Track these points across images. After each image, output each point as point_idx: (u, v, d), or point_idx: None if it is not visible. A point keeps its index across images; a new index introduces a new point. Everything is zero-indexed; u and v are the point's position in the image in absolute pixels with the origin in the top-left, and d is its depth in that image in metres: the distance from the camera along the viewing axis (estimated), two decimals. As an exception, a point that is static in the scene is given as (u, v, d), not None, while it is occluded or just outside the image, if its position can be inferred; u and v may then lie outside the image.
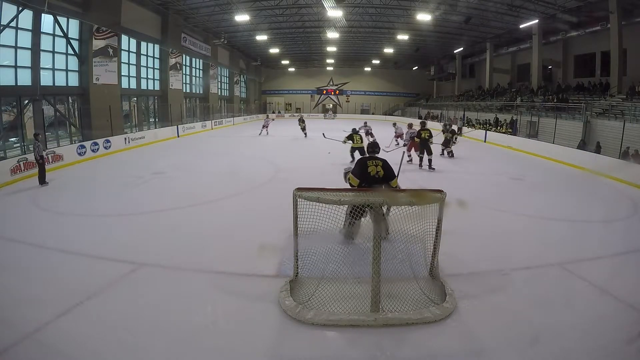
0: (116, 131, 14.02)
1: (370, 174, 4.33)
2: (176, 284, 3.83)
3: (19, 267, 4.16)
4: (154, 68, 19.87)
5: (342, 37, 25.80)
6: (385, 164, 4.46)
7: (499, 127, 19.23)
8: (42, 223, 5.74)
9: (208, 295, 3.63)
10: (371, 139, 14.15)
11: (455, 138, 12.43)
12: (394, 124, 15.54)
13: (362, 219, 3.91)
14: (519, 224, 5.85)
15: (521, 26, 19.05)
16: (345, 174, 4.91)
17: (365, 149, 4.99)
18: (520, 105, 19.91)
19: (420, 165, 10.18)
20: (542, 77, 21.53)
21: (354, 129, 10.81)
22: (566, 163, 11.56)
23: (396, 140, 14.39)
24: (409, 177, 9.30)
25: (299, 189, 3.45)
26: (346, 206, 3.85)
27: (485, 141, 17.64)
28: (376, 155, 4.68)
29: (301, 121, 18.41)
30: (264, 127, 19.84)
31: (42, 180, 8.08)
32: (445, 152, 12.28)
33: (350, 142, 10.42)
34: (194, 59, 24.69)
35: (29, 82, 11.65)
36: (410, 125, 11.21)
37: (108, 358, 2.75)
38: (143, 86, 18.94)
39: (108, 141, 12.74)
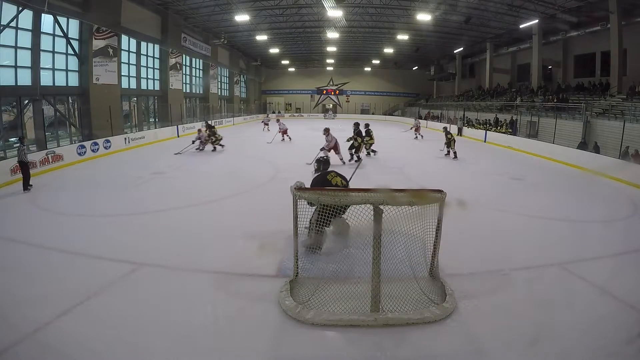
0: (116, 131, 14.01)
1: (337, 186, 4.39)
2: (176, 284, 3.83)
3: (19, 267, 4.16)
4: (154, 68, 19.87)
5: (342, 37, 25.79)
6: (338, 173, 4.66)
7: (499, 127, 19.24)
8: (42, 223, 5.74)
9: (208, 295, 3.63)
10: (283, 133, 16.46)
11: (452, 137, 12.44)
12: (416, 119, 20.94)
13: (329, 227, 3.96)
14: (519, 224, 5.86)
15: (521, 26, 19.05)
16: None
17: (318, 167, 4.90)
18: (520, 105, 19.91)
19: (354, 160, 10.82)
20: (542, 77, 21.53)
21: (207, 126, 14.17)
22: (566, 163, 11.56)
23: (415, 134, 18.98)
24: (409, 177, 9.31)
25: (298, 189, 3.46)
26: (310, 216, 3.85)
27: (485, 141, 17.65)
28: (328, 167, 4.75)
29: (205, 127, 14.12)
30: (264, 124, 21.45)
31: (26, 185, 7.64)
32: (451, 152, 12.30)
33: (213, 138, 13.42)
34: (194, 59, 24.69)
35: (29, 82, 11.65)
36: (327, 131, 10.65)
37: (108, 358, 2.75)
38: (143, 86, 18.94)
39: (108, 141, 12.73)
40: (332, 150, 10.49)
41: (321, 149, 10.45)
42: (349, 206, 3.83)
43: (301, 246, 4.18)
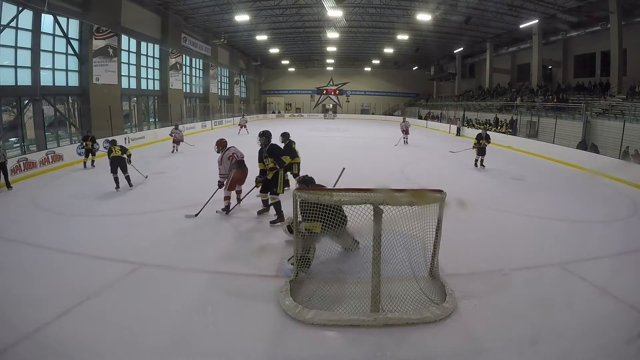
0: (116, 131, 14.00)
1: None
2: (176, 284, 3.83)
3: (19, 267, 4.16)
4: (154, 68, 19.87)
5: (342, 37, 25.78)
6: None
7: (499, 127, 19.24)
8: (42, 223, 5.74)
9: (208, 295, 3.63)
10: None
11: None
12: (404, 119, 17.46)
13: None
14: (519, 224, 5.86)
15: (521, 26, 19.03)
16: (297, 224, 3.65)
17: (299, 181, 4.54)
18: (520, 105, 19.90)
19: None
20: (542, 77, 21.52)
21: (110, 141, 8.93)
22: (566, 163, 11.56)
23: (404, 137, 15.97)
24: (409, 177, 9.31)
25: (299, 189, 3.46)
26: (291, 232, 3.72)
27: (485, 141, 17.60)
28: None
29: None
30: (241, 126, 19.92)
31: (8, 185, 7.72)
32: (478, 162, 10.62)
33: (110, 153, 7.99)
34: (194, 59, 24.68)
35: (29, 82, 11.65)
36: (221, 144, 6.68)
37: (108, 358, 2.75)
38: (143, 86, 18.94)
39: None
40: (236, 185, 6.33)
41: (221, 185, 6.18)
42: (344, 225, 3.79)
43: (288, 264, 4.13)
